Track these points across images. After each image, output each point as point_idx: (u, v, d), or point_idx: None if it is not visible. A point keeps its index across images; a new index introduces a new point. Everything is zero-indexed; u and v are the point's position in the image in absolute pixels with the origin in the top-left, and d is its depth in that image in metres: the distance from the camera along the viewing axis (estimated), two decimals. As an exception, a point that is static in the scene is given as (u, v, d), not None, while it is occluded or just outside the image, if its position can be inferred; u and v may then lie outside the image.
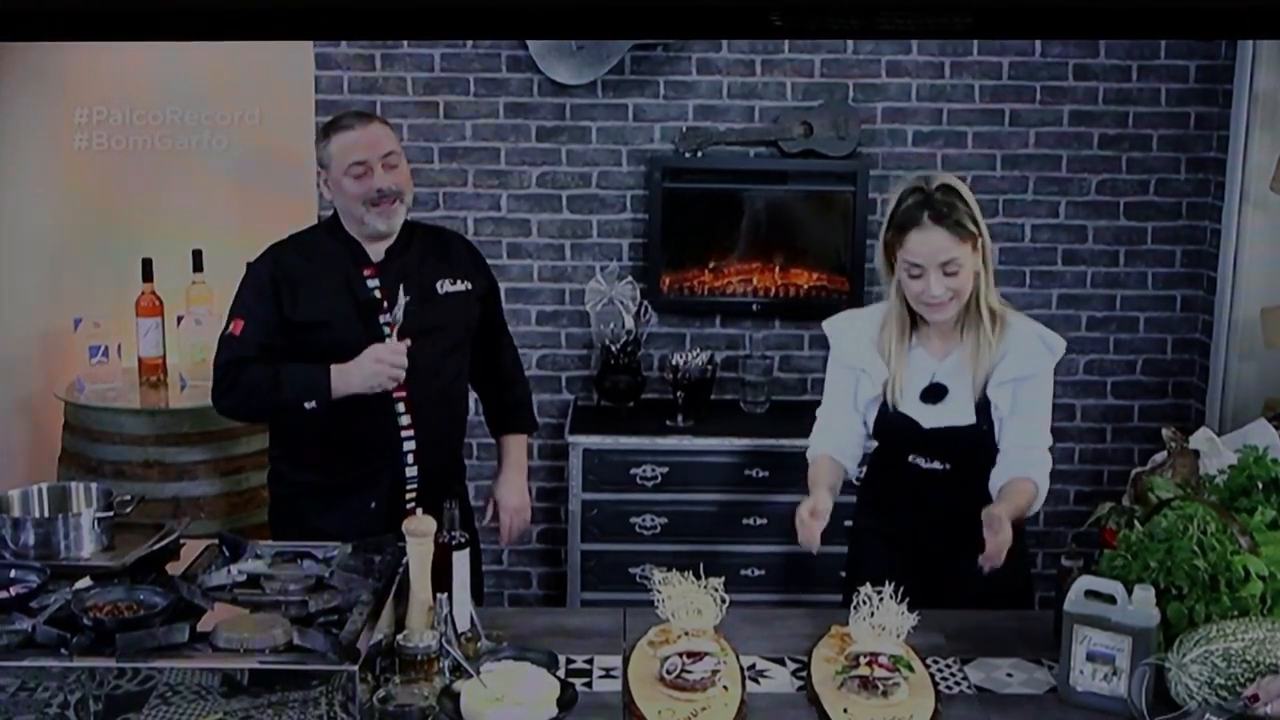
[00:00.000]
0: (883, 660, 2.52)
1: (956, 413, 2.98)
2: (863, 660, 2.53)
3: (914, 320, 2.99)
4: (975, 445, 2.99)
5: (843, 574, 3.24)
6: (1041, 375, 3.01)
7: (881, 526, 3.10)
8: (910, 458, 3.05)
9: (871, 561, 3.02)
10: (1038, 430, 3.00)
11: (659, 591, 2.59)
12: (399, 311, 3.08)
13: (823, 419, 3.16)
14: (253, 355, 3.16)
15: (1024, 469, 2.95)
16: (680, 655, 2.47)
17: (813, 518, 2.86)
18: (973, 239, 2.87)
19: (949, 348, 3.00)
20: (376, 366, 3.09)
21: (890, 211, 2.92)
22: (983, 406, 2.98)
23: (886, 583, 2.62)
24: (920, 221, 2.85)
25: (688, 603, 2.57)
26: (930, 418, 3.00)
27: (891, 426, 3.04)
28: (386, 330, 3.16)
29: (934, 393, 2.99)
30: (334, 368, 3.10)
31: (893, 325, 2.98)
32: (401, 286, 3.10)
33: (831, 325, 3.15)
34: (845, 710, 2.47)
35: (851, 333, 3.08)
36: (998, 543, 2.72)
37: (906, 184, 2.94)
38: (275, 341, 3.17)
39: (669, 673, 2.47)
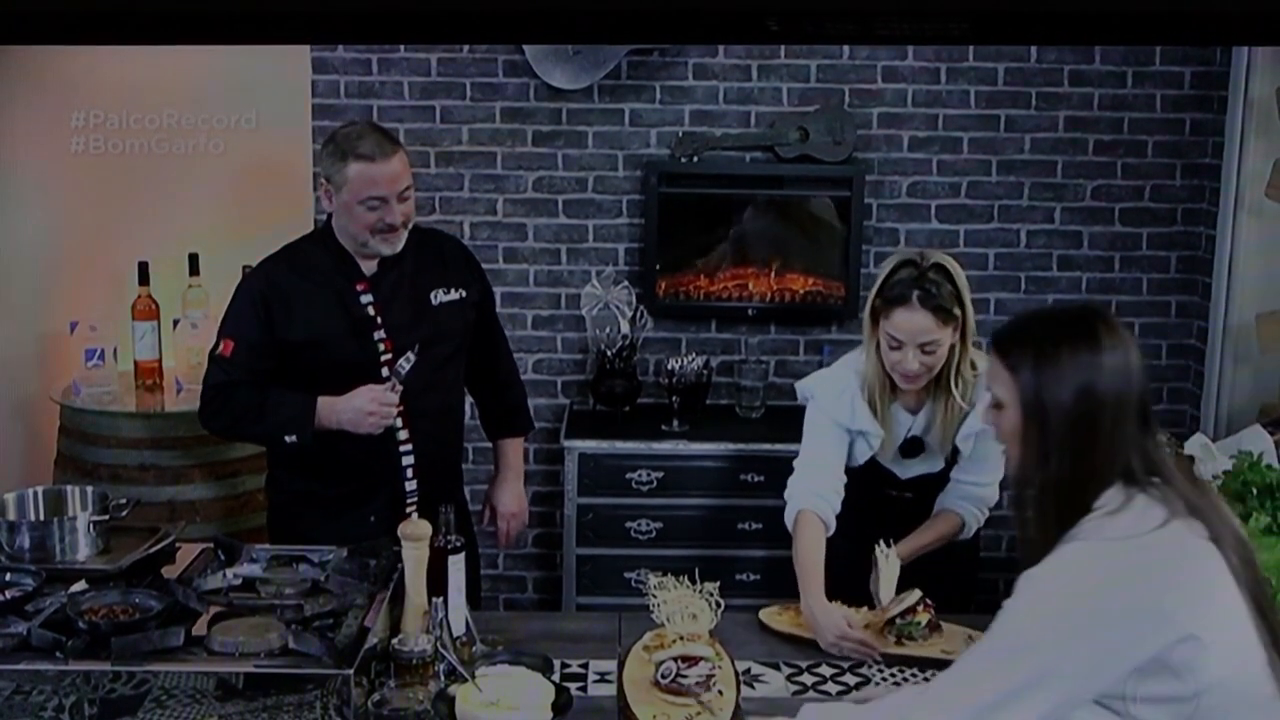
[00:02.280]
0: (928, 601, 2.79)
1: (930, 462, 3.15)
2: (919, 609, 2.77)
3: (891, 382, 3.06)
4: (943, 482, 3.18)
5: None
6: None
7: (843, 526, 3.11)
8: (883, 490, 3.19)
9: (831, 559, 3.06)
10: (988, 470, 3.12)
11: (654, 596, 2.60)
12: (403, 366, 3.01)
13: (809, 473, 3.12)
14: (241, 378, 3.13)
15: (961, 502, 3.15)
16: (675, 660, 2.48)
17: (853, 629, 2.80)
18: (955, 321, 2.94)
19: (922, 402, 3.10)
20: (369, 419, 3.05)
21: (881, 281, 2.98)
22: (952, 455, 3.14)
23: (878, 547, 2.92)
24: (908, 301, 2.91)
25: (683, 607, 2.57)
26: (907, 469, 3.16)
27: (870, 473, 3.16)
28: (381, 348, 3.15)
29: (912, 447, 3.12)
30: (322, 400, 3.08)
31: (877, 385, 3.06)
32: (415, 348, 3.03)
33: (815, 385, 3.19)
34: (944, 651, 2.73)
35: (844, 393, 3.11)
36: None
37: (901, 256, 3.00)
38: (265, 364, 3.14)
39: (664, 677, 2.47)
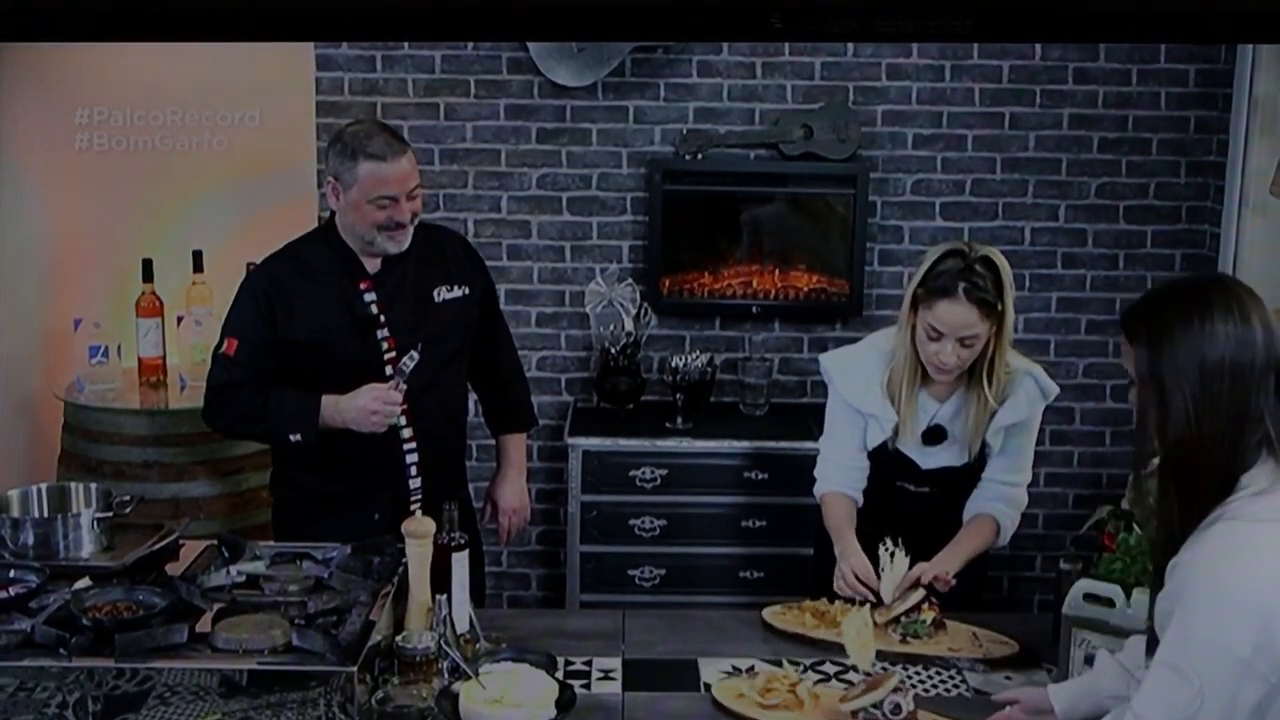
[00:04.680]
0: (933, 599, 2.82)
1: (953, 454, 3.09)
2: (925, 606, 2.79)
3: (922, 367, 3.01)
4: (964, 477, 3.12)
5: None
6: (1032, 419, 3.10)
7: (858, 523, 3.12)
8: (899, 483, 3.14)
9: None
10: (1019, 469, 3.11)
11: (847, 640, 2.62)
12: (407, 365, 3.02)
13: (829, 455, 3.19)
14: (245, 378, 3.13)
15: (995, 504, 3.08)
16: (893, 693, 2.43)
17: (861, 581, 2.92)
18: (996, 315, 2.90)
19: (951, 391, 3.06)
20: (373, 418, 3.06)
21: (926, 269, 2.92)
22: (978, 449, 3.08)
23: (885, 548, 2.88)
24: (954, 293, 2.86)
25: (863, 642, 2.61)
26: (929, 459, 3.10)
27: (889, 460, 3.12)
28: (385, 346, 3.14)
29: (934, 435, 3.07)
30: (326, 399, 3.08)
31: (904, 370, 3.01)
32: (418, 347, 3.04)
33: (832, 364, 3.18)
34: (950, 649, 2.75)
35: (858, 376, 3.10)
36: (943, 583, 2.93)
37: (947, 246, 2.95)
38: (269, 362, 3.14)
39: (893, 713, 2.41)
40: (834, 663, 2.72)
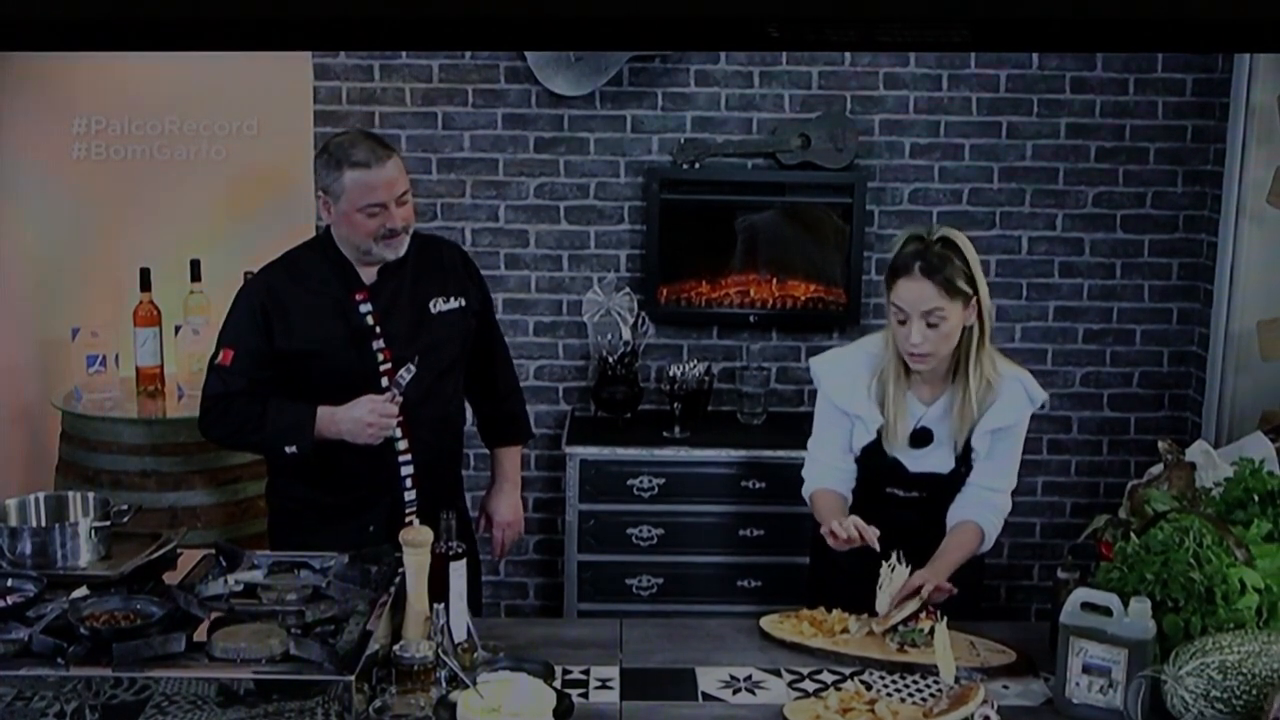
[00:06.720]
0: (931, 608, 2.82)
1: (940, 460, 3.09)
2: (922, 616, 2.79)
3: (907, 366, 3.02)
4: (953, 482, 3.11)
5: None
6: (1019, 424, 3.11)
7: None
8: (889, 489, 3.14)
9: (836, 566, 3.10)
10: (1004, 474, 3.11)
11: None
12: (404, 377, 3.01)
13: (816, 456, 3.20)
14: (241, 387, 3.13)
15: (978, 511, 3.08)
16: (986, 704, 2.45)
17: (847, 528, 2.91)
18: (964, 296, 2.92)
19: (937, 394, 3.07)
20: (369, 430, 3.06)
21: (892, 257, 2.98)
22: (964, 453, 3.08)
23: (887, 561, 2.87)
24: (910, 271, 2.91)
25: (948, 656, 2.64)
26: (916, 462, 3.10)
27: (877, 463, 3.12)
28: (380, 358, 3.14)
29: (921, 437, 3.07)
30: (321, 410, 3.07)
31: (890, 372, 3.03)
32: (415, 359, 3.03)
33: (820, 366, 3.20)
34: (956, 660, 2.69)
35: (845, 377, 3.12)
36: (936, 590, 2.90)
37: (909, 230, 3.00)
38: (265, 372, 3.13)
39: None
40: (831, 671, 2.72)
